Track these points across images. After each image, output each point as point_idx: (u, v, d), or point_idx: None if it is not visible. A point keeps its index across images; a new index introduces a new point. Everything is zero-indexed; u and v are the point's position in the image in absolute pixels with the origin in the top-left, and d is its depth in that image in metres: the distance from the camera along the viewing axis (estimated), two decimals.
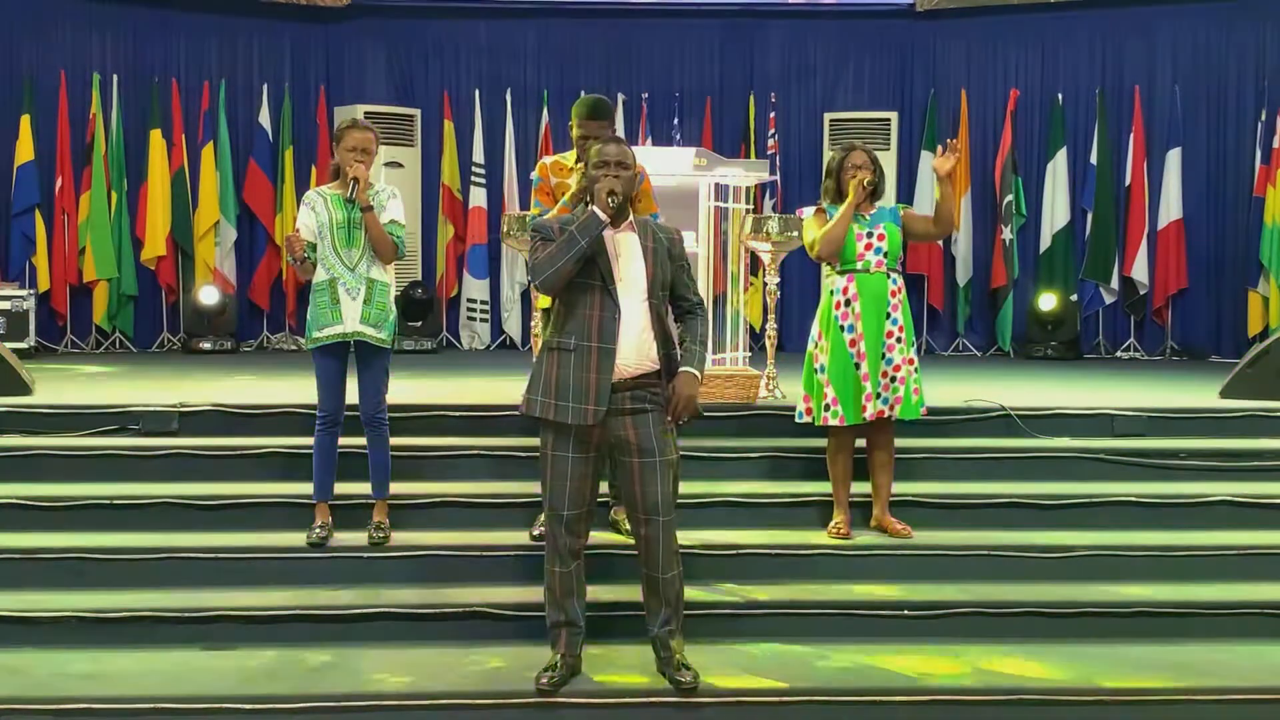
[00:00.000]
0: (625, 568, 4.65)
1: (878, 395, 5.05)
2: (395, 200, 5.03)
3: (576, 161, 4.95)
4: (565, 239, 3.96)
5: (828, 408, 5.10)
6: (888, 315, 5.07)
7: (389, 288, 5.01)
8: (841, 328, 5.09)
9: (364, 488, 5.13)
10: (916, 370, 5.16)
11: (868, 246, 5.09)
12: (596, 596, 4.50)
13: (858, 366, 5.06)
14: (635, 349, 4.02)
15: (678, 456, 4.14)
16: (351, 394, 5.04)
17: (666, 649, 4.19)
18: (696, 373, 4.07)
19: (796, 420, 5.28)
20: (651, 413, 4.06)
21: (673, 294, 4.17)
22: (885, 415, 5.06)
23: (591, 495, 4.15)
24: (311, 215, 4.96)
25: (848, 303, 5.09)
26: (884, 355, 5.07)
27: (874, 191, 5.13)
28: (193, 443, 5.62)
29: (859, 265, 5.10)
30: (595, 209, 4.00)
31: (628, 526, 4.96)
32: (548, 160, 5.16)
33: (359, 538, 5.02)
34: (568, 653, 4.19)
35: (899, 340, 5.09)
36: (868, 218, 5.14)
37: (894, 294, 5.09)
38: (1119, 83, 10.79)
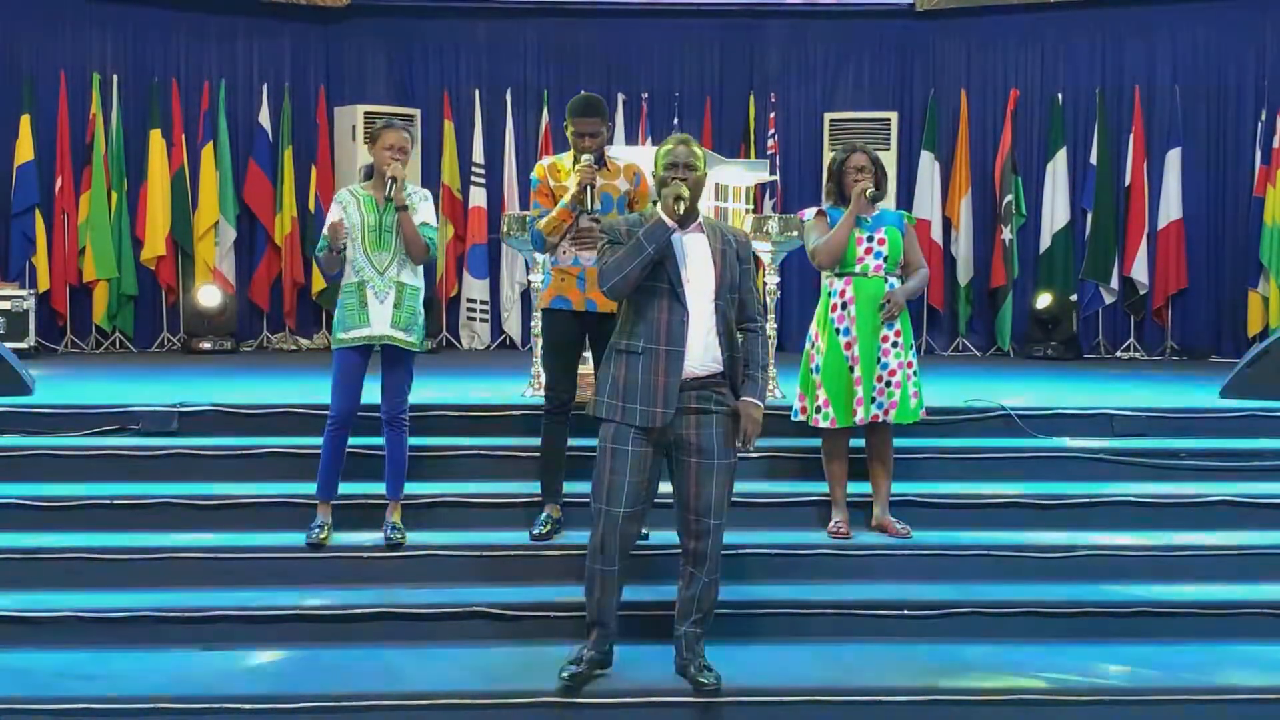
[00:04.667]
0: (644, 567, 4.65)
1: (871, 400, 5.04)
2: (427, 203, 5.05)
3: (575, 163, 4.94)
4: (632, 245, 3.96)
5: (819, 409, 5.10)
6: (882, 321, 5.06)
7: (419, 292, 5.02)
8: (837, 330, 5.08)
9: (366, 488, 5.14)
10: (916, 375, 5.15)
11: (868, 251, 5.08)
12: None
13: (851, 370, 5.05)
14: (702, 350, 4.03)
15: (735, 461, 4.14)
16: (368, 395, 5.03)
17: (690, 650, 4.18)
18: (760, 403, 4.12)
19: (792, 419, 5.29)
20: (715, 414, 4.06)
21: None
22: (879, 420, 5.06)
23: (648, 495, 4.11)
24: (342, 214, 4.95)
25: (844, 306, 5.08)
26: (879, 360, 5.06)
27: (875, 195, 5.09)
28: (193, 443, 5.62)
29: (857, 269, 5.09)
30: (662, 215, 3.99)
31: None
32: (545, 162, 5.16)
33: (360, 538, 5.02)
34: (594, 649, 4.17)
35: (895, 345, 5.08)
36: (869, 220, 5.12)
37: (886, 300, 5.06)
38: (1119, 83, 10.79)
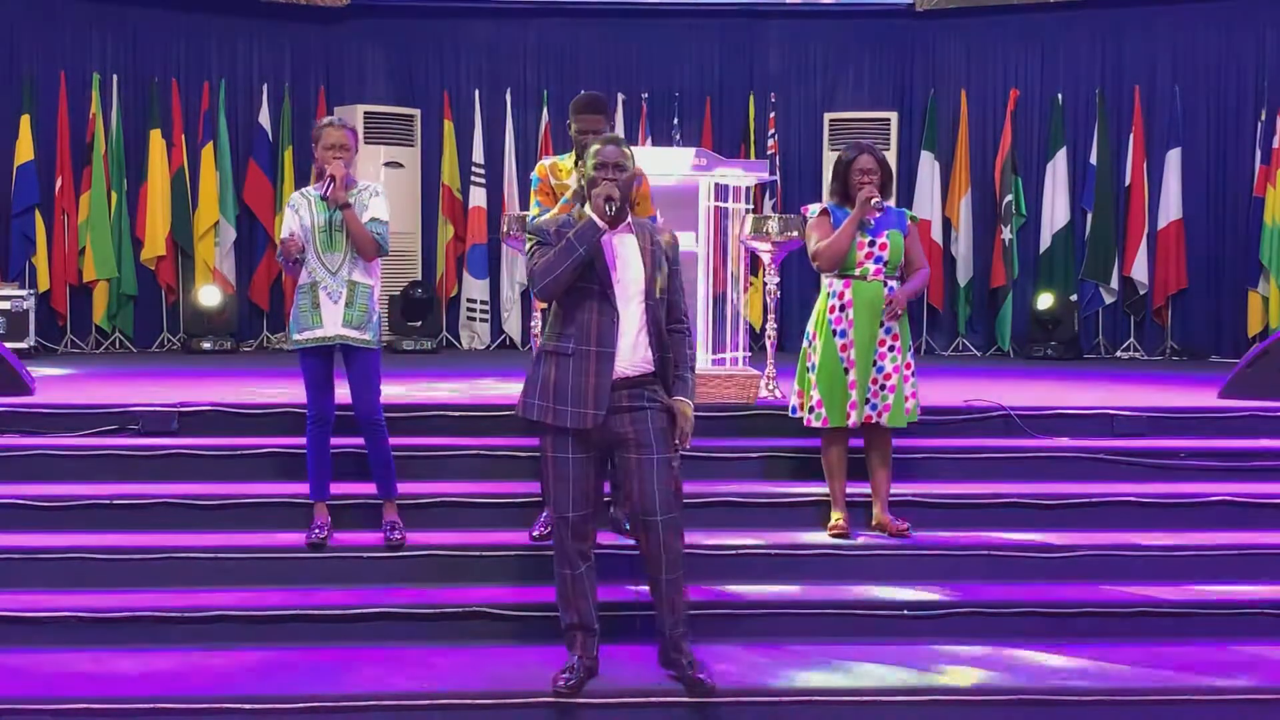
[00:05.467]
0: (631, 568, 4.65)
1: (866, 401, 5.04)
2: (378, 198, 4.98)
3: (577, 161, 4.94)
4: (563, 246, 3.94)
5: (812, 409, 5.11)
6: (882, 323, 5.06)
7: (371, 289, 4.97)
8: (834, 331, 5.08)
9: (364, 487, 5.13)
10: (913, 378, 5.15)
11: (868, 255, 5.07)
12: (609, 597, 4.49)
13: (846, 371, 5.05)
14: (632, 351, 4.02)
15: (676, 457, 4.11)
16: (343, 395, 5.03)
17: (678, 650, 4.17)
18: (692, 402, 4.12)
19: (790, 414, 5.29)
20: (649, 410, 4.05)
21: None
22: (872, 420, 5.06)
23: (596, 496, 4.13)
24: (295, 218, 4.94)
25: (842, 308, 5.08)
26: (875, 363, 5.06)
27: (880, 193, 5.07)
28: (193, 443, 5.62)
29: (857, 272, 5.08)
30: (592, 215, 3.97)
31: (628, 526, 4.97)
32: (546, 162, 5.15)
33: (359, 538, 5.02)
34: (584, 654, 4.16)
35: (892, 349, 5.07)
36: (871, 223, 5.09)
37: (889, 302, 5.07)
38: (1119, 83, 10.79)
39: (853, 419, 5.04)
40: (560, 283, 3.96)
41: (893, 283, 5.10)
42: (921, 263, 5.21)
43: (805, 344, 5.22)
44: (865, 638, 4.67)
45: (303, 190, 5.03)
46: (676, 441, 4.09)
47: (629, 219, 4.11)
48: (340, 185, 4.84)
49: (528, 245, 4.10)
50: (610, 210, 3.96)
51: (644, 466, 4.03)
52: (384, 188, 5.16)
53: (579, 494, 4.05)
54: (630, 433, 4.03)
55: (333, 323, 4.89)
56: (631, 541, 4.85)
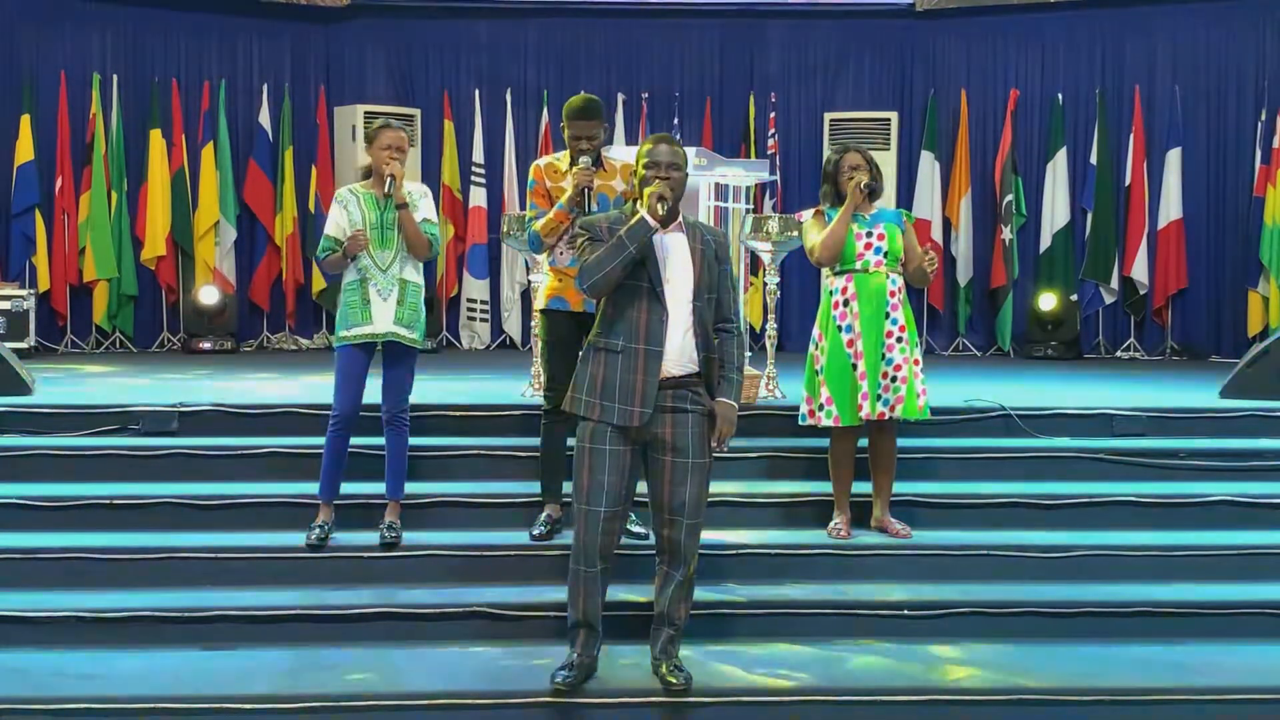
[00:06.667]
0: (632, 567, 4.65)
1: (877, 396, 5.04)
2: (426, 199, 5.08)
3: (571, 164, 4.93)
4: (614, 243, 3.94)
5: (822, 407, 5.10)
6: (887, 315, 5.07)
7: (421, 288, 5.05)
8: (840, 328, 5.08)
9: (365, 487, 5.14)
10: (921, 371, 5.15)
11: (867, 246, 5.09)
12: (611, 596, 4.47)
13: (854, 367, 5.05)
14: (679, 350, 4.02)
15: (710, 461, 4.13)
16: (370, 394, 5.04)
17: (665, 650, 4.18)
18: (736, 403, 4.11)
19: (799, 423, 5.28)
20: (691, 414, 4.05)
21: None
22: (885, 416, 5.06)
23: (628, 494, 4.10)
24: (344, 214, 4.97)
25: (846, 303, 5.09)
26: (884, 355, 5.06)
27: (872, 192, 5.12)
28: (193, 443, 5.62)
29: (858, 265, 5.09)
30: (644, 214, 3.97)
31: (632, 528, 4.96)
32: (541, 162, 5.14)
33: (360, 538, 5.02)
34: (584, 653, 4.16)
35: (900, 340, 5.08)
36: (867, 218, 5.14)
37: (894, 294, 5.09)
38: (1119, 83, 10.79)
39: (864, 412, 5.03)
40: (610, 279, 3.96)
41: (894, 275, 5.11)
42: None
43: (812, 348, 5.21)
44: (865, 638, 4.67)
45: (350, 187, 5.08)
46: (714, 444, 4.09)
47: (680, 219, 4.11)
48: (400, 185, 4.90)
49: (579, 241, 4.10)
50: (662, 210, 3.97)
51: (677, 470, 4.04)
52: (429, 190, 5.19)
53: (612, 489, 4.01)
54: (669, 435, 4.03)
55: (384, 320, 4.93)
56: (634, 541, 4.86)
